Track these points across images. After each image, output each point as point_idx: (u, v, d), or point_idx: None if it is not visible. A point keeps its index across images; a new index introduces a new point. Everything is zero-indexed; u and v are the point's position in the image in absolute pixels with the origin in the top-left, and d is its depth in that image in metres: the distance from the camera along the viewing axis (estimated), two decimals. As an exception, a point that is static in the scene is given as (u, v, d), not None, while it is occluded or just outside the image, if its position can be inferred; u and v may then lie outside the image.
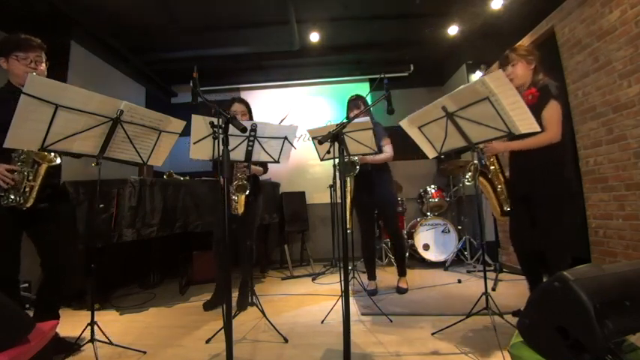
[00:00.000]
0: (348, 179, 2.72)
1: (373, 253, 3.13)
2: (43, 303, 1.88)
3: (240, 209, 2.47)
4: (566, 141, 1.91)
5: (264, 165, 2.75)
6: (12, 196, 1.60)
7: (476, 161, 2.06)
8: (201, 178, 3.34)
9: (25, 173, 1.62)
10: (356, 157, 2.63)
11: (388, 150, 2.84)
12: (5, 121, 1.42)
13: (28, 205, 1.63)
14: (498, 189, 2.17)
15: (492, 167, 2.17)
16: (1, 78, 1.77)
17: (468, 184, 2.17)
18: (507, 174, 2.21)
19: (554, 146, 1.88)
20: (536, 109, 1.85)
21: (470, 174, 2.19)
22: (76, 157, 1.89)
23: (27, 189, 1.63)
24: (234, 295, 2.64)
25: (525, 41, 3.43)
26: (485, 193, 2.21)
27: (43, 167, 1.66)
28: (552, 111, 1.86)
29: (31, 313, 1.78)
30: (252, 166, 2.51)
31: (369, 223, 3.02)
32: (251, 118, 2.71)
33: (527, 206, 2.02)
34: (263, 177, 4.37)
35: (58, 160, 1.70)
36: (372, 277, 3.03)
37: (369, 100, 2.84)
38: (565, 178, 1.91)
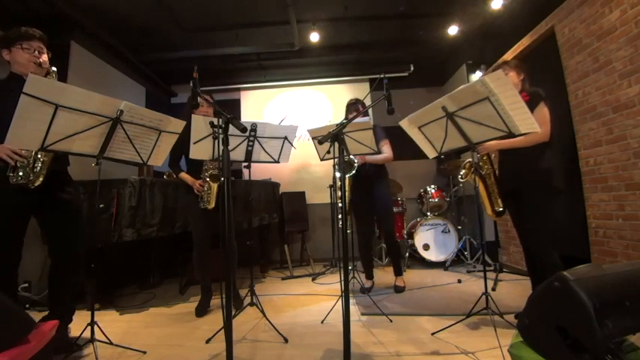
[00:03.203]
0: (346, 178, 2.74)
1: (370, 253, 3.15)
2: (57, 293, 1.87)
3: (212, 201, 2.46)
4: (551, 140, 2.02)
5: None
6: (20, 173, 1.60)
7: (473, 159, 2.10)
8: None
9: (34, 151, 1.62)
10: (352, 156, 2.64)
11: (387, 151, 2.86)
12: (10, 111, 1.42)
13: (37, 183, 1.62)
14: (490, 189, 2.21)
15: (485, 167, 2.20)
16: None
17: (461, 180, 2.19)
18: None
19: (541, 146, 1.99)
20: None
21: (464, 171, 2.20)
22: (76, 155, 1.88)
23: (37, 164, 1.63)
24: (217, 297, 2.65)
25: (525, 41, 3.43)
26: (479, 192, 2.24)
27: None
28: (542, 113, 1.98)
29: (31, 314, 1.78)
30: None
31: (366, 224, 3.05)
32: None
33: (515, 204, 2.14)
34: (263, 177, 4.40)
35: None
36: (369, 276, 3.08)
37: (368, 99, 2.86)
38: (546, 174, 2.00)
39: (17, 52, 1.72)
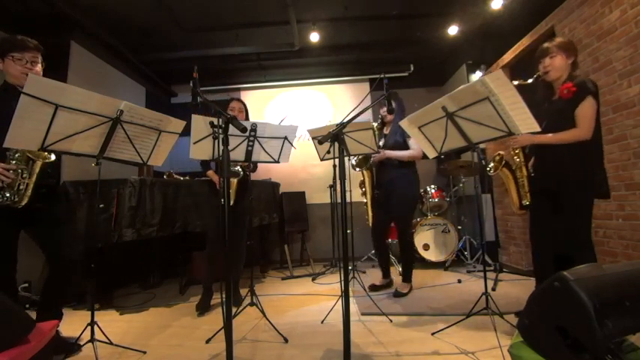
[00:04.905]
0: (365, 173, 2.71)
1: (384, 246, 3.03)
2: (48, 300, 1.87)
3: (232, 197, 2.49)
4: (596, 139, 1.85)
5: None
6: (7, 194, 1.58)
7: (502, 152, 2.02)
8: (202, 178, 3.34)
9: (20, 171, 1.61)
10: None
11: (415, 147, 2.70)
12: (3, 120, 1.42)
13: (23, 203, 1.61)
14: (520, 182, 2.12)
15: (517, 159, 2.11)
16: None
17: (489, 174, 2.12)
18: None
19: (584, 144, 1.82)
20: (571, 104, 1.83)
21: (494, 164, 2.11)
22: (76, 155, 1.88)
23: (22, 187, 1.61)
24: (218, 297, 2.67)
25: (525, 41, 3.43)
26: (506, 184, 2.16)
27: (38, 164, 1.65)
28: (587, 108, 1.80)
29: (31, 313, 1.78)
30: None
31: (380, 213, 2.92)
32: (247, 118, 2.80)
33: (549, 202, 1.97)
34: (263, 177, 4.40)
35: (53, 157, 1.69)
36: (385, 275, 3.01)
37: (368, 99, 2.84)
38: (595, 178, 1.86)
39: (9, 64, 1.70)
